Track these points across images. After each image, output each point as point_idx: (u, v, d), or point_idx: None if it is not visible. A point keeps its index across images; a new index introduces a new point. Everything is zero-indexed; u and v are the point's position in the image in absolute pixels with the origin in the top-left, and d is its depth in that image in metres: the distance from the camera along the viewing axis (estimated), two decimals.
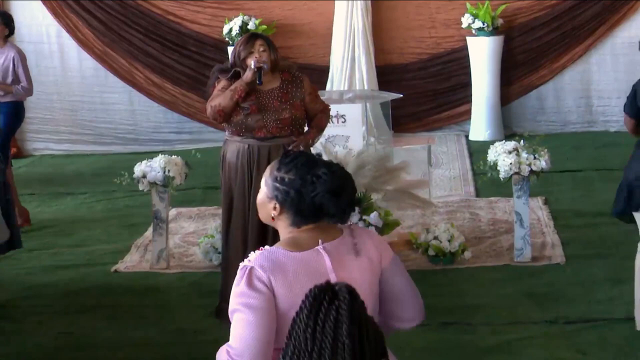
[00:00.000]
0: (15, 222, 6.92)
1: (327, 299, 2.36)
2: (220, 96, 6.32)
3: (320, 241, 3.25)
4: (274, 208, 3.29)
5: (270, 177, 3.31)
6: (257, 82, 6.26)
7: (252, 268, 3.17)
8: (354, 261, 3.27)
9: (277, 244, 3.28)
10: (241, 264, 3.22)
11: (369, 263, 3.30)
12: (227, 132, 6.52)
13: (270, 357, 3.12)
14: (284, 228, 3.31)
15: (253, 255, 3.22)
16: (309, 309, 2.35)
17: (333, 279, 3.18)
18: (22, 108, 9.24)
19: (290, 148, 6.35)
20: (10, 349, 6.30)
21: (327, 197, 3.22)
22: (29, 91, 9.14)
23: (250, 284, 3.15)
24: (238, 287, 3.17)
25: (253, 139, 6.37)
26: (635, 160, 5.96)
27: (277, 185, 3.27)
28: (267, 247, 3.28)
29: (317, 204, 3.24)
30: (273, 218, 3.31)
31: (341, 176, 3.28)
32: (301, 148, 6.33)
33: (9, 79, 9.01)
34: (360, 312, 2.37)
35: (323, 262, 3.22)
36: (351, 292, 2.38)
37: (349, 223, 3.40)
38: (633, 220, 6.02)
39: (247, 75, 6.29)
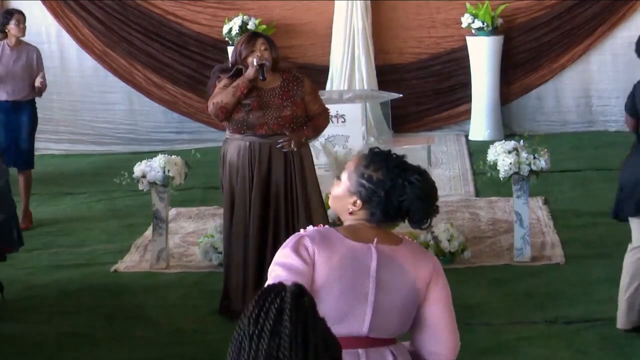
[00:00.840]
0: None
1: (275, 291, 2.36)
2: (222, 93, 6.34)
3: (375, 240, 3.24)
4: (354, 203, 3.26)
5: (356, 172, 3.27)
6: (261, 77, 6.29)
7: (302, 236, 3.20)
8: (399, 273, 3.24)
9: (336, 227, 3.29)
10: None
11: (414, 283, 3.25)
12: (227, 131, 6.54)
13: None
14: (353, 220, 3.29)
15: (310, 228, 3.24)
16: (256, 300, 2.35)
17: (373, 279, 3.19)
18: (35, 105, 9.32)
19: (281, 142, 6.35)
20: (11, 349, 6.30)
21: (416, 203, 3.21)
22: (46, 88, 9.24)
23: (295, 248, 3.17)
24: (283, 250, 3.19)
25: (254, 136, 6.38)
26: (632, 164, 5.99)
27: (364, 182, 3.24)
28: (326, 226, 3.29)
29: (404, 208, 3.22)
30: (351, 212, 3.27)
31: (430, 183, 3.26)
32: (292, 145, 6.34)
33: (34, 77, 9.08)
34: (308, 305, 2.36)
35: (370, 259, 3.21)
36: (299, 286, 2.38)
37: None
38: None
39: (250, 72, 6.31)
